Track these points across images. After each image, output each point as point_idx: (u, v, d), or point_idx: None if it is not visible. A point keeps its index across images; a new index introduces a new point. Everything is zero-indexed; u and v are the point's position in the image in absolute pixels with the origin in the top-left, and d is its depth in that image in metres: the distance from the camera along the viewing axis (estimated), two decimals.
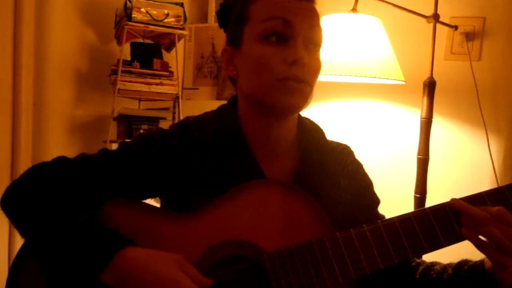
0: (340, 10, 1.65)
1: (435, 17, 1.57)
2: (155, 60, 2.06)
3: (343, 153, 0.92)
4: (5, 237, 1.75)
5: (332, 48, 1.55)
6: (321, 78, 0.83)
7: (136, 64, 2.02)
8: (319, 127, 0.92)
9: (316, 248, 0.73)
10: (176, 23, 2.04)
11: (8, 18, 1.78)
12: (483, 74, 1.71)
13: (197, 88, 2.43)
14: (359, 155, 0.95)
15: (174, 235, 0.75)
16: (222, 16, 0.90)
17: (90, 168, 0.80)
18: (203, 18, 2.50)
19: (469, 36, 1.74)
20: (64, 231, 0.69)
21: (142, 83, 2.01)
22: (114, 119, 2.05)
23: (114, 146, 0.92)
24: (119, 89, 1.94)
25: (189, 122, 0.86)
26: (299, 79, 0.77)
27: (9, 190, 0.78)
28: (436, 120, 1.63)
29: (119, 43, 2.04)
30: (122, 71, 1.95)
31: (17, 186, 0.77)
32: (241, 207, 0.76)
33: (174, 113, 2.10)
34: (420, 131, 1.59)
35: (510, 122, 1.69)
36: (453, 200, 0.73)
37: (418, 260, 0.85)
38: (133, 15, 1.93)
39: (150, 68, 2.04)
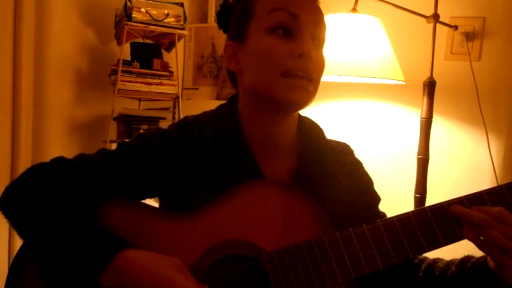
0: (340, 10, 1.65)
1: (435, 17, 1.57)
2: (155, 60, 2.06)
3: (343, 152, 0.92)
4: (5, 237, 1.75)
5: (332, 48, 1.55)
6: (321, 78, 0.83)
7: (136, 64, 2.02)
8: (318, 126, 0.92)
9: (316, 248, 0.73)
10: (176, 23, 2.04)
11: (8, 18, 1.78)
12: (483, 74, 1.71)
13: (197, 88, 2.43)
14: (359, 155, 0.95)
15: (173, 235, 0.75)
16: (223, 17, 0.90)
17: (89, 168, 0.79)
18: (203, 18, 2.50)
19: (469, 36, 1.74)
20: (63, 233, 0.69)
21: (142, 83, 2.01)
22: (114, 119, 2.05)
23: (114, 146, 0.92)
24: (119, 89, 1.94)
25: (188, 121, 0.85)
26: (305, 71, 0.77)
27: (7, 191, 0.78)
28: (436, 120, 1.63)
29: (119, 43, 2.04)
30: (122, 71, 1.95)
31: (15, 186, 0.77)
32: (241, 207, 0.76)
33: (174, 113, 2.10)
34: (420, 131, 1.59)
35: (510, 122, 1.69)
36: (453, 207, 0.73)
37: (420, 257, 0.85)
38: (133, 15, 1.93)
39: (150, 68, 2.04)
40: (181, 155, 0.82)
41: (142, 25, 1.97)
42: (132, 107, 2.12)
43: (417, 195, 1.58)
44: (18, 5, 1.80)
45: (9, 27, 1.79)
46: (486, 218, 0.69)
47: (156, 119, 2.11)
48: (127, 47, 2.07)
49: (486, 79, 1.71)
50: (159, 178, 0.82)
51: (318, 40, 0.81)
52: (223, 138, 0.83)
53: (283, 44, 0.77)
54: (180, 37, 2.13)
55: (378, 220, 0.74)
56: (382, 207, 0.93)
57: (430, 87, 1.58)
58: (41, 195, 0.74)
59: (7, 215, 0.76)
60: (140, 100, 2.19)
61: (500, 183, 0.74)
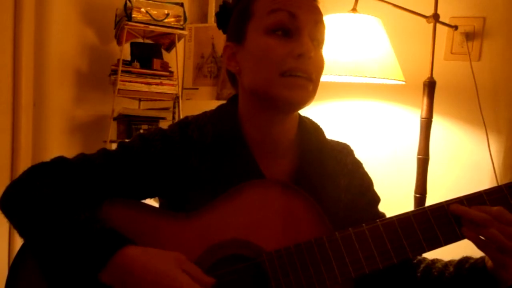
0: (340, 10, 1.65)
1: (435, 17, 1.57)
2: (155, 60, 2.06)
3: (343, 152, 0.92)
4: (5, 237, 1.75)
5: (332, 48, 1.55)
6: (321, 78, 0.83)
7: (136, 64, 2.02)
8: (318, 126, 0.92)
9: (316, 248, 0.73)
10: (176, 23, 2.04)
11: (8, 18, 1.78)
12: (483, 74, 1.71)
13: (197, 88, 2.43)
14: (359, 155, 0.95)
15: (173, 235, 0.75)
16: (222, 17, 0.90)
17: (89, 167, 0.80)
18: (203, 18, 2.50)
19: (469, 36, 1.74)
20: (63, 231, 0.69)
21: (142, 83, 2.01)
22: (114, 119, 2.05)
23: (114, 146, 0.92)
24: (119, 89, 1.94)
25: (188, 122, 0.85)
26: (305, 71, 0.77)
27: (7, 191, 0.78)
28: (436, 120, 1.63)
29: (119, 43, 2.04)
30: (122, 71, 1.95)
31: (15, 186, 0.77)
32: (241, 207, 0.76)
33: (174, 113, 2.10)
34: (420, 131, 1.59)
35: (510, 122, 1.69)
36: (452, 205, 0.73)
37: (419, 258, 0.85)
38: (133, 15, 1.93)
39: (150, 68, 2.04)
40: (181, 155, 0.82)
41: (142, 25, 1.97)
42: (132, 107, 2.12)
43: (417, 195, 1.58)
44: (18, 5, 1.80)
45: (9, 27, 1.79)
46: (485, 216, 0.69)
47: (156, 119, 2.11)
48: (127, 47, 2.07)
49: (486, 79, 1.71)
50: (159, 178, 0.82)
51: (317, 40, 0.81)
52: (223, 138, 0.83)
53: (282, 44, 0.77)
54: (180, 37, 2.13)
55: (378, 220, 0.74)
56: (382, 207, 0.93)
57: (430, 87, 1.58)
58: (41, 194, 0.74)
59: (7, 215, 0.76)
60: (140, 100, 2.19)
61: (500, 183, 0.74)
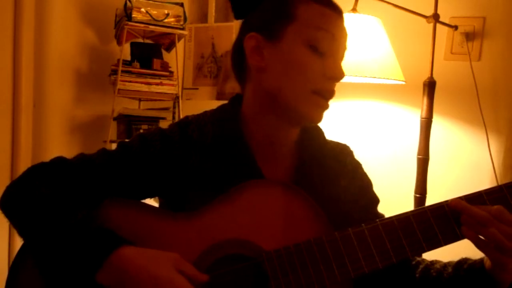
0: None
1: (435, 17, 1.57)
2: (155, 60, 2.06)
3: (343, 152, 0.92)
4: (5, 237, 1.75)
5: None
6: None
7: (136, 64, 2.02)
8: (318, 127, 0.92)
9: (315, 248, 0.73)
10: (176, 23, 2.04)
11: (8, 18, 1.78)
12: (483, 74, 1.71)
13: (197, 88, 2.43)
14: (359, 155, 0.95)
15: (173, 234, 0.75)
16: (245, 2, 0.85)
17: (89, 167, 0.80)
18: (203, 18, 2.50)
19: (469, 36, 1.74)
20: (61, 231, 0.69)
21: (142, 83, 2.01)
22: (114, 119, 2.05)
23: (114, 146, 0.92)
24: (119, 89, 1.94)
25: (188, 121, 0.85)
26: (332, 93, 0.80)
27: (7, 190, 0.78)
28: (436, 120, 1.63)
29: (119, 43, 2.04)
30: (122, 71, 1.95)
31: (15, 186, 0.77)
32: (240, 207, 0.76)
33: (174, 113, 2.10)
34: (420, 131, 1.59)
35: (510, 122, 1.69)
36: (452, 200, 0.73)
37: (418, 259, 0.85)
38: (133, 15, 1.93)
39: (150, 68, 2.04)
40: (181, 155, 0.81)
41: (142, 25, 1.97)
42: (132, 107, 2.12)
43: (417, 195, 1.58)
44: (18, 5, 1.80)
45: (9, 27, 1.79)
46: (485, 214, 0.69)
47: (156, 119, 2.11)
48: (127, 47, 2.08)
49: (486, 79, 1.71)
50: (159, 178, 0.82)
51: (342, 60, 0.83)
52: (223, 138, 0.83)
53: (319, 62, 0.78)
54: (180, 37, 2.13)
55: (377, 220, 0.74)
56: (382, 207, 0.93)
57: (430, 87, 1.58)
58: (39, 194, 0.74)
59: (7, 214, 0.76)
60: (140, 100, 2.19)
61: (500, 183, 0.74)
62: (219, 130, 0.83)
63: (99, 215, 0.74)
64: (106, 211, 0.76)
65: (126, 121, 2.04)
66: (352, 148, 0.95)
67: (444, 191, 1.74)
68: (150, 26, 1.98)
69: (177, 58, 2.11)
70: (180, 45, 2.28)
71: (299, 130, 0.88)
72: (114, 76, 1.96)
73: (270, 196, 0.77)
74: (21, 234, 0.74)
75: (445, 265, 0.80)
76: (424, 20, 1.60)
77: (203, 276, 0.69)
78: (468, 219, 0.71)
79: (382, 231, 0.73)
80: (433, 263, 0.83)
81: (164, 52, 2.19)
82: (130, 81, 1.98)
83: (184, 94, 2.43)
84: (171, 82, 2.07)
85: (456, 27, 1.73)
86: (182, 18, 2.06)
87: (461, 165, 1.76)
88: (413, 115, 1.81)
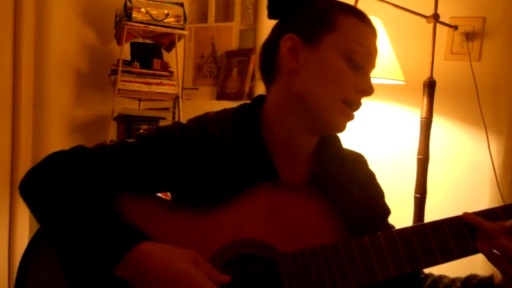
0: None
1: (435, 17, 1.57)
2: (155, 60, 2.06)
3: (358, 161, 0.92)
4: (5, 237, 1.75)
5: None
6: None
7: (136, 64, 2.02)
8: (336, 135, 0.92)
9: (330, 253, 0.72)
10: (176, 23, 2.04)
11: (8, 18, 1.78)
12: (483, 74, 1.71)
13: (197, 88, 2.43)
14: None
15: (189, 231, 0.75)
16: (281, 5, 0.85)
17: (109, 158, 0.80)
18: (203, 18, 2.50)
19: (469, 36, 1.74)
20: (82, 222, 0.70)
21: (142, 83, 2.01)
22: (114, 119, 2.05)
23: None
24: (119, 89, 1.94)
25: (209, 118, 0.84)
26: (358, 106, 0.82)
27: (28, 176, 0.78)
28: (436, 120, 1.63)
29: (119, 43, 2.04)
30: (122, 71, 1.95)
31: (36, 172, 0.78)
32: (257, 208, 0.76)
33: (174, 113, 2.10)
34: (420, 131, 1.59)
35: (510, 122, 1.69)
36: (465, 214, 0.73)
37: (426, 273, 0.85)
38: (133, 15, 1.93)
39: (150, 68, 2.04)
40: (201, 152, 0.81)
41: (142, 25, 1.97)
42: (132, 107, 2.12)
43: (417, 195, 1.58)
44: (18, 5, 1.80)
45: (9, 27, 1.79)
46: (498, 228, 0.70)
47: (156, 119, 2.11)
48: (127, 47, 2.08)
49: (486, 79, 1.71)
50: (177, 173, 0.82)
51: None
52: (243, 137, 0.83)
53: (353, 75, 0.79)
54: (180, 37, 2.13)
55: (393, 230, 0.74)
56: None
57: (430, 87, 1.58)
58: (60, 182, 0.74)
59: (26, 200, 0.77)
60: (140, 100, 2.19)
61: (500, 183, 0.75)
62: (239, 129, 0.83)
63: (117, 208, 0.75)
64: (122, 204, 0.76)
65: (126, 121, 2.03)
66: (366, 158, 0.95)
67: (444, 191, 1.74)
68: (150, 26, 1.98)
69: (177, 58, 2.11)
70: (180, 45, 2.28)
71: (318, 137, 0.88)
72: (114, 76, 1.96)
73: (287, 199, 0.77)
74: (40, 220, 0.75)
75: (453, 280, 0.80)
76: (424, 20, 1.60)
77: (224, 276, 0.69)
78: (482, 233, 0.71)
79: (398, 241, 0.73)
80: (441, 277, 0.83)
81: (164, 52, 2.19)
82: (130, 81, 1.98)
83: (184, 94, 2.43)
84: (171, 82, 2.07)
85: (456, 27, 1.73)
86: (182, 18, 2.06)
87: (461, 165, 1.76)
88: (413, 115, 1.81)
